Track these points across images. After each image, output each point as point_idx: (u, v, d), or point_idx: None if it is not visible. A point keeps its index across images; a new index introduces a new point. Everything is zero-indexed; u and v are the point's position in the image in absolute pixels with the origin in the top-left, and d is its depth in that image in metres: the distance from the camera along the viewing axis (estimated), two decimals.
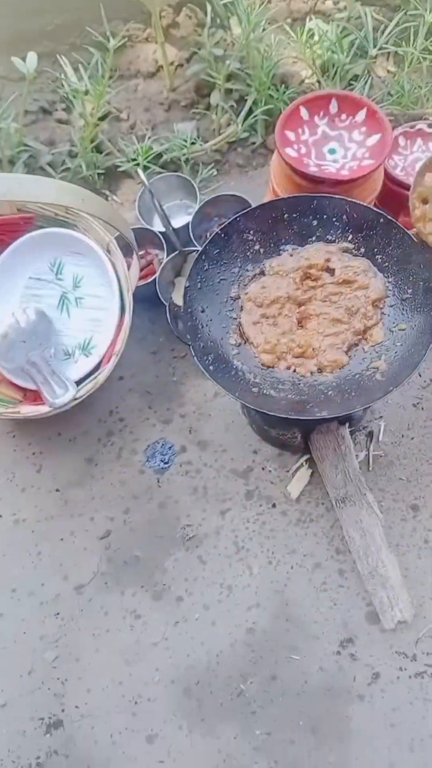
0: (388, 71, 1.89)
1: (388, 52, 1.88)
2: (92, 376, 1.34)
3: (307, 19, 1.85)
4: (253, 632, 1.27)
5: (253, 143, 1.85)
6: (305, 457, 1.39)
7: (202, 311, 1.16)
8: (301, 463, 1.39)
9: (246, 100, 1.80)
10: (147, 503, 1.40)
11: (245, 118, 1.79)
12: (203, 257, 1.18)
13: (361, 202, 1.19)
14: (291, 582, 1.31)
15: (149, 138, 1.80)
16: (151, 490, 1.41)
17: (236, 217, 1.20)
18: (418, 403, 1.44)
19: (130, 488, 1.42)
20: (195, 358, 1.08)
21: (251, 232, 1.22)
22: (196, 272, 1.17)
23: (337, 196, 1.20)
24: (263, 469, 1.41)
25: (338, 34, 1.70)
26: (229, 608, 1.30)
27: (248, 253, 1.23)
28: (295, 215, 1.22)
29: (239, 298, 1.21)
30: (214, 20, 1.83)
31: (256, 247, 1.23)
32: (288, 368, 1.14)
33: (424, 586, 1.27)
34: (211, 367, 1.09)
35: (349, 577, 1.30)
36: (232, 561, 1.34)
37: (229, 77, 1.82)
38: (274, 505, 1.38)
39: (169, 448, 1.45)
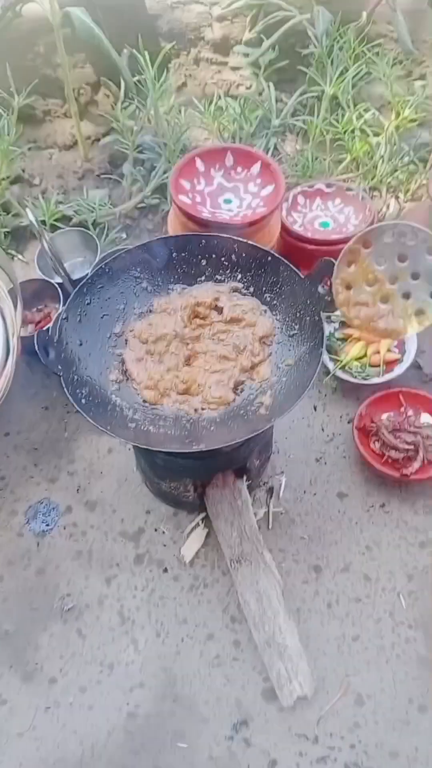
0: (297, 149, 1.95)
1: (298, 132, 1.95)
2: None
3: (216, 98, 1.92)
4: (135, 717, 1.10)
5: (164, 210, 1.85)
6: (201, 516, 1.28)
7: (80, 344, 1.08)
8: (197, 523, 1.28)
9: (155, 167, 1.82)
10: (23, 570, 1.25)
11: (154, 183, 1.80)
12: (84, 290, 1.11)
13: (249, 241, 1.15)
14: (180, 657, 1.15)
15: (59, 202, 1.79)
16: (29, 555, 1.26)
17: (121, 253, 1.15)
18: (320, 458, 1.36)
19: (6, 553, 1.27)
20: (66, 389, 0.99)
21: (138, 269, 1.17)
22: (76, 305, 1.09)
23: (225, 236, 1.17)
24: (156, 530, 1.29)
25: (243, 107, 1.76)
26: (108, 690, 1.13)
27: (135, 291, 1.17)
28: (183, 254, 1.18)
29: (123, 334, 1.14)
30: (130, 97, 1.88)
31: (144, 284, 1.17)
32: (172, 405, 1.06)
33: (327, 656, 1.14)
34: (83, 401, 1.00)
35: (245, 649, 1.15)
36: (115, 634, 1.18)
37: (140, 148, 1.84)
38: (165, 570, 1.24)
39: (53, 508, 1.31)
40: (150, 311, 1.16)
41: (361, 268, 0.88)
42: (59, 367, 1.02)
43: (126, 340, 1.13)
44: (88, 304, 1.12)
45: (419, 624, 1.15)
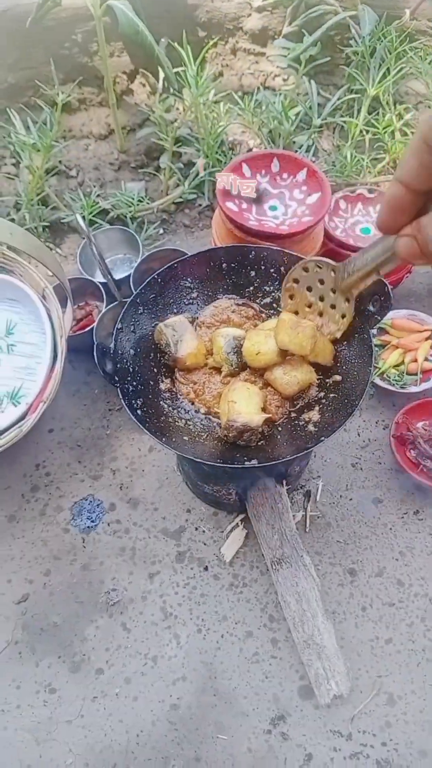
0: (334, 145, 1.95)
1: (335, 127, 1.95)
2: (17, 425, 1.26)
3: (255, 91, 1.91)
4: (178, 708, 1.16)
5: (200, 205, 1.87)
6: (240, 517, 1.33)
7: (134, 354, 1.11)
8: (237, 523, 1.32)
9: (194, 164, 1.82)
10: (69, 564, 1.30)
11: (192, 180, 1.81)
12: (138, 301, 1.14)
13: (298, 254, 1.17)
14: (221, 652, 1.21)
15: (97, 195, 1.80)
16: (75, 551, 1.32)
17: (174, 263, 1.18)
18: (356, 463, 1.40)
19: (53, 548, 1.32)
20: (122, 400, 1.02)
21: (189, 279, 1.20)
22: (130, 315, 1.13)
23: (274, 247, 1.19)
24: (197, 529, 1.34)
25: (284, 104, 1.75)
26: (152, 681, 1.19)
27: (185, 300, 1.20)
28: (233, 265, 1.20)
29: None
30: (166, 88, 1.88)
31: (194, 294, 1.20)
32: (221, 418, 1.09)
33: (361, 657, 1.19)
34: (138, 411, 1.03)
35: (283, 647, 1.21)
36: (158, 629, 1.24)
37: (179, 141, 1.85)
38: (206, 568, 1.29)
39: (98, 505, 1.36)
40: (200, 323, 1.19)
41: (299, 298, 1.05)
42: (116, 378, 1.05)
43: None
44: (140, 313, 1.15)
45: None
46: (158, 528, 1.34)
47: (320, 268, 0.98)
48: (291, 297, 1.06)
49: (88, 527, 1.34)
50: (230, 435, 1.02)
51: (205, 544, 1.32)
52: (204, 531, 1.33)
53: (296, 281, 1.03)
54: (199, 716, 1.15)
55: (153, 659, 1.21)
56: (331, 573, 1.28)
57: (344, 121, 1.79)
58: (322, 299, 1.02)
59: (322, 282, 1.00)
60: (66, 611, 1.26)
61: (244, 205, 1.38)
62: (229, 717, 1.15)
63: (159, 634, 1.23)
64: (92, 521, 1.34)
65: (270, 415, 1.05)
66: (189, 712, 1.16)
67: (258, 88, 2.01)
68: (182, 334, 1.11)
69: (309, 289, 1.02)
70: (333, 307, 1.02)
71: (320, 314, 1.05)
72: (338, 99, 1.79)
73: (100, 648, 1.22)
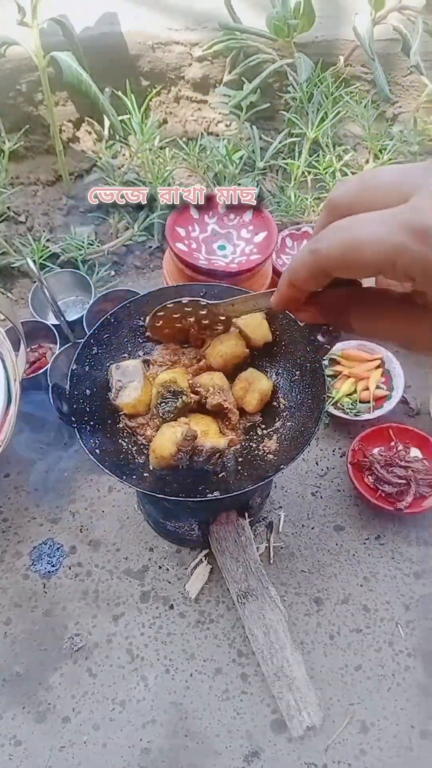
0: (278, 186, 2.02)
1: (278, 169, 2.03)
2: None
3: (199, 137, 1.97)
4: (149, 753, 1.13)
5: (150, 247, 1.90)
6: (204, 552, 1.32)
7: (90, 394, 1.11)
8: (200, 559, 1.32)
9: (143, 206, 1.86)
10: (31, 612, 1.27)
11: (141, 223, 1.85)
12: (92, 341, 1.15)
13: (248, 290, 1.21)
14: (190, 692, 1.19)
15: (47, 239, 1.82)
16: (35, 597, 1.29)
17: (127, 303, 1.19)
18: (316, 492, 1.41)
19: (12, 596, 1.29)
20: (80, 440, 1.02)
21: (142, 318, 1.21)
22: (84, 355, 1.13)
23: (224, 285, 1.22)
24: (160, 567, 1.33)
25: (228, 149, 1.81)
26: (121, 726, 1.16)
27: (139, 339, 1.21)
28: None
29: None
30: (112, 135, 1.92)
31: (148, 333, 1.22)
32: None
33: (332, 686, 1.19)
34: (97, 451, 1.03)
35: (253, 681, 1.20)
36: (125, 672, 1.21)
37: (127, 186, 1.89)
38: (171, 607, 1.28)
39: (58, 549, 1.34)
40: (153, 362, 1.20)
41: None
42: (73, 418, 1.05)
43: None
44: (95, 353, 1.16)
45: (418, 652, 1.22)
46: (121, 569, 1.32)
47: (189, 308, 1.04)
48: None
49: (49, 572, 1.31)
50: (200, 460, 1.02)
51: (169, 582, 1.31)
52: (168, 569, 1.32)
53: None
54: (171, 759, 1.13)
55: (121, 704, 1.18)
56: (297, 603, 1.28)
57: (286, 164, 1.86)
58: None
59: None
60: (29, 660, 1.22)
61: (194, 245, 1.41)
62: (201, 757, 1.13)
63: (126, 678, 1.21)
64: (53, 565, 1.32)
65: (233, 437, 1.06)
66: (161, 756, 1.13)
67: (202, 134, 2.07)
68: (129, 382, 1.11)
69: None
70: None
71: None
72: (279, 142, 1.86)
73: (65, 696, 1.19)
